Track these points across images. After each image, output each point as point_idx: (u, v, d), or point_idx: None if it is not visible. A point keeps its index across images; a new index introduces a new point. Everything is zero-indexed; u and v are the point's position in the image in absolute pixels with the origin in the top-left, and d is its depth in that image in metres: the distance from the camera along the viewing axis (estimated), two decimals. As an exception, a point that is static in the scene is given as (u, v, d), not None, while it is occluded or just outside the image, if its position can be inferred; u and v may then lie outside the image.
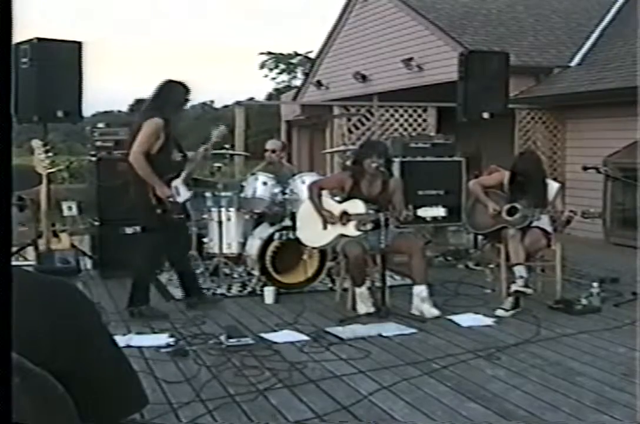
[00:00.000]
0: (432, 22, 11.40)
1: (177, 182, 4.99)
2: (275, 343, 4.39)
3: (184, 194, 5.04)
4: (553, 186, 5.62)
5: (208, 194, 6.37)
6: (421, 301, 5.07)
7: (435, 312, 5.02)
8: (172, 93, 5.04)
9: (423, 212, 5.01)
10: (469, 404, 3.39)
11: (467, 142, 7.78)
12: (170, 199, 4.90)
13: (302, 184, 5.98)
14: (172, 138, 5.01)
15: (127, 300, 5.08)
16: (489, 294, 5.72)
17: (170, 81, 5.08)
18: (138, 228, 5.46)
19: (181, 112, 5.32)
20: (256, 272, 5.89)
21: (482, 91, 7.21)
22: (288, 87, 33.03)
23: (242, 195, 6.21)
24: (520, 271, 5.20)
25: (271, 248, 5.77)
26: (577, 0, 12.97)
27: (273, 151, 6.71)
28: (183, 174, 5.03)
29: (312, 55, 21.55)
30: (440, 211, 5.00)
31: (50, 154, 5.89)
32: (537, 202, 5.39)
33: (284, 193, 6.10)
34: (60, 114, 6.19)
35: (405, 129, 9.46)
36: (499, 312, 5.09)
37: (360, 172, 5.27)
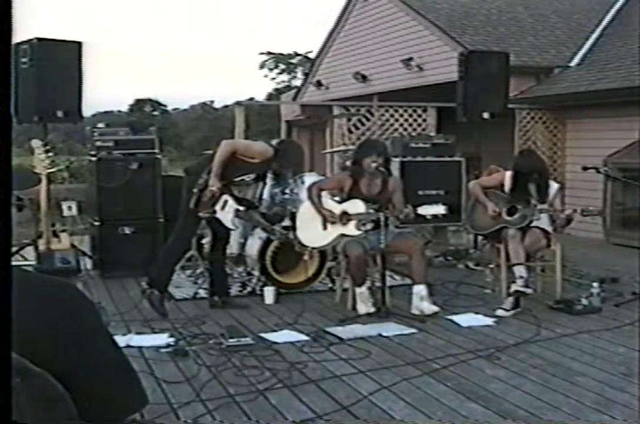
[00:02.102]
0: (432, 22, 11.40)
1: (230, 200, 5.06)
2: (275, 343, 4.39)
3: (227, 215, 5.07)
4: (553, 186, 5.62)
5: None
6: (420, 299, 5.07)
7: (434, 308, 5.03)
8: (297, 153, 5.40)
9: (423, 210, 5.01)
10: (469, 404, 3.39)
11: (467, 142, 7.78)
12: (213, 189, 4.94)
13: (302, 184, 5.99)
14: (260, 178, 5.26)
15: (148, 277, 5.21)
16: (489, 294, 5.72)
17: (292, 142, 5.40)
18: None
19: (297, 171, 5.59)
20: (256, 272, 5.89)
21: (482, 91, 7.21)
22: (288, 87, 33.04)
23: (241, 195, 6.20)
24: (520, 271, 5.20)
25: (271, 248, 5.77)
26: (577, 1, 12.97)
27: None
28: (240, 207, 5.09)
29: (312, 55, 21.55)
30: (440, 209, 5.00)
31: (50, 154, 5.89)
32: (539, 201, 5.39)
33: (284, 193, 6.10)
34: (60, 114, 6.19)
35: (405, 129, 9.46)
36: (499, 312, 5.09)
37: (359, 172, 5.27)
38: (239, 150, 5.08)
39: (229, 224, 5.12)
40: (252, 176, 5.21)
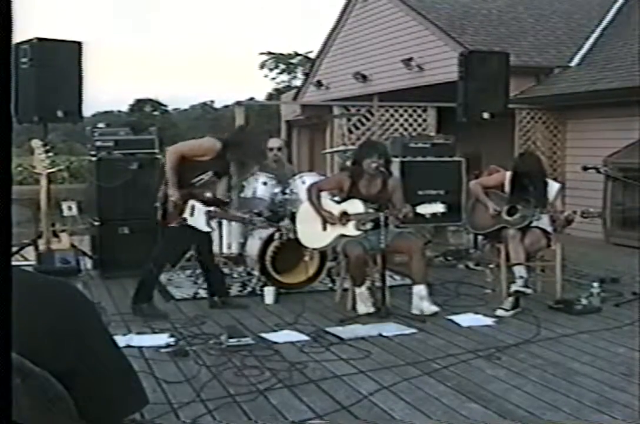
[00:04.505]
0: (432, 22, 11.40)
1: (198, 206, 5.01)
2: (275, 343, 4.39)
3: (198, 219, 5.01)
4: (554, 186, 5.62)
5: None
6: (420, 299, 5.07)
7: (434, 308, 5.03)
8: (252, 140, 5.25)
9: (422, 209, 5.01)
10: (469, 404, 3.39)
11: (467, 142, 7.78)
12: (172, 198, 4.90)
13: (302, 184, 5.98)
14: (221, 173, 5.14)
15: (132, 298, 5.14)
16: (489, 294, 5.72)
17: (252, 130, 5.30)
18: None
19: (259, 159, 5.42)
20: (256, 272, 5.89)
21: (482, 91, 7.21)
22: (288, 87, 33.03)
23: (242, 195, 6.21)
24: (520, 271, 5.20)
25: (271, 248, 5.77)
26: (577, 1, 12.97)
27: (279, 149, 6.69)
28: (211, 208, 5.03)
29: (312, 55, 21.56)
30: (439, 207, 5.00)
31: (50, 154, 5.90)
32: (538, 203, 5.39)
33: (284, 193, 6.10)
34: (60, 114, 6.19)
35: (406, 129, 9.45)
36: (499, 312, 5.10)
37: (358, 172, 5.27)
38: (185, 153, 5.01)
39: (204, 228, 5.05)
40: (210, 173, 5.09)
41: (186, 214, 4.98)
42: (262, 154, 5.45)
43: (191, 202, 4.99)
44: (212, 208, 5.03)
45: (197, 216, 4.99)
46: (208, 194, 5.08)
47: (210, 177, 5.10)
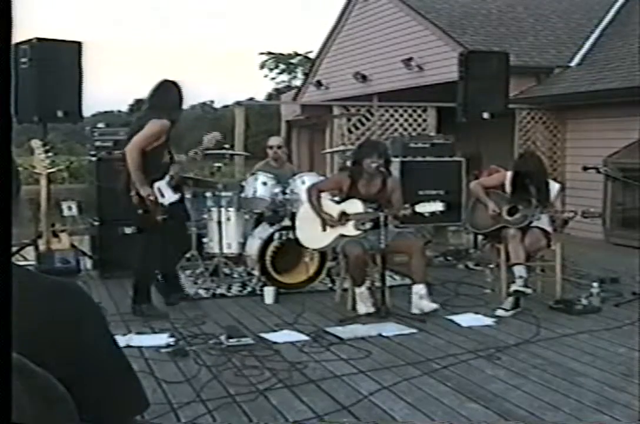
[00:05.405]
0: (432, 22, 11.40)
1: (161, 184, 4.95)
2: (275, 343, 4.39)
3: (168, 196, 4.97)
4: (554, 187, 5.62)
5: (208, 194, 6.38)
6: (420, 298, 5.07)
7: (434, 305, 5.03)
8: (171, 94, 5.07)
9: (421, 208, 5.01)
10: (469, 404, 3.39)
11: (467, 142, 7.78)
12: (151, 198, 4.84)
13: (302, 184, 5.98)
14: (168, 141, 5.05)
15: (131, 298, 5.13)
16: (489, 294, 5.72)
17: (166, 81, 5.10)
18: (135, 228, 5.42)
19: (180, 112, 5.23)
20: (256, 272, 5.88)
21: (482, 91, 7.21)
22: (288, 87, 33.03)
23: (242, 195, 6.20)
24: (519, 271, 5.20)
25: (271, 248, 5.77)
26: (577, 1, 12.98)
27: (279, 147, 6.68)
28: (167, 177, 4.98)
29: (312, 55, 21.55)
30: (438, 206, 4.99)
31: (50, 154, 5.90)
32: (539, 203, 5.39)
33: (284, 193, 6.10)
34: (60, 114, 6.20)
35: (405, 129, 9.46)
36: (499, 312, 5.10)
37: (358, 172, 5.27)
38: (144, 145, 4.84)
39: (175, 197, 5.00)
40: (166, 157, 4.99)
41: (160, 199, 4.91)
42: (178, 103, 5.20)
43: (155, 185, 4.90)
44: (166, 178, 4.96)
45: (166, 193, 4.95)
46: (162, 172, 4.96)
47: (166, 156, 5.03)
